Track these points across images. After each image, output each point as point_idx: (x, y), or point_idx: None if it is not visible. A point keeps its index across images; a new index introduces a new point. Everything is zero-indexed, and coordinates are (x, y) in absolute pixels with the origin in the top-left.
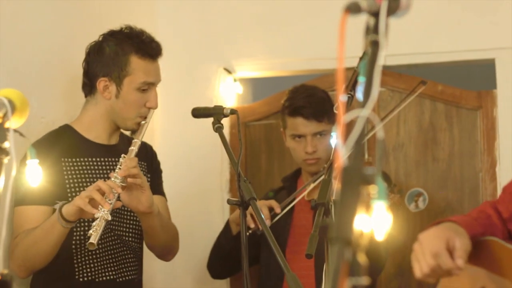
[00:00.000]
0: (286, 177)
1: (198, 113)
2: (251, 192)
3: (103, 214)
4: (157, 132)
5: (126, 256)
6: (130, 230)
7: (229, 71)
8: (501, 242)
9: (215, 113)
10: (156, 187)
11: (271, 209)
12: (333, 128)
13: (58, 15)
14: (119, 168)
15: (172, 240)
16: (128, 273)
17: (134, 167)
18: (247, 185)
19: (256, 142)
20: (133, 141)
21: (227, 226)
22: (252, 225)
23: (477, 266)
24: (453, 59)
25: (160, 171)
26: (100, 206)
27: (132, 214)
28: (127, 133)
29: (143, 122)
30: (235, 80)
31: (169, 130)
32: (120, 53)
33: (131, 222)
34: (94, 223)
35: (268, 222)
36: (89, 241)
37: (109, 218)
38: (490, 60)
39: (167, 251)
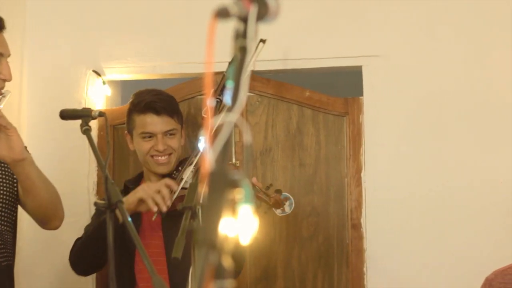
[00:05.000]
0: (130, 180)
1: (66, 114)
2: (118, 195)
3: None
4: (24, 133)
5: None
6: None
7: (98, 74)
8: None
9: (83, 115)
10: None
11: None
12: (181, 129)
13: None
14: None
15: (55, 199)
16: None
17: None
18: (114, 187)
19: (124, 145)
20: None
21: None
22: (155, 209)
23: None
24: (321, 66)
25: None
26: None
27: None
28: None
29: (0, 96)
30: (104, 83)
31: (36, 132)
32: None
33: None
34: None
35: (169, 203)
36: None
37: None
38: (357, 67)
39: (52, 213)
